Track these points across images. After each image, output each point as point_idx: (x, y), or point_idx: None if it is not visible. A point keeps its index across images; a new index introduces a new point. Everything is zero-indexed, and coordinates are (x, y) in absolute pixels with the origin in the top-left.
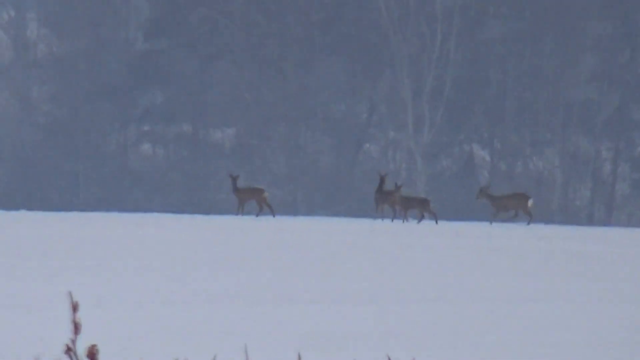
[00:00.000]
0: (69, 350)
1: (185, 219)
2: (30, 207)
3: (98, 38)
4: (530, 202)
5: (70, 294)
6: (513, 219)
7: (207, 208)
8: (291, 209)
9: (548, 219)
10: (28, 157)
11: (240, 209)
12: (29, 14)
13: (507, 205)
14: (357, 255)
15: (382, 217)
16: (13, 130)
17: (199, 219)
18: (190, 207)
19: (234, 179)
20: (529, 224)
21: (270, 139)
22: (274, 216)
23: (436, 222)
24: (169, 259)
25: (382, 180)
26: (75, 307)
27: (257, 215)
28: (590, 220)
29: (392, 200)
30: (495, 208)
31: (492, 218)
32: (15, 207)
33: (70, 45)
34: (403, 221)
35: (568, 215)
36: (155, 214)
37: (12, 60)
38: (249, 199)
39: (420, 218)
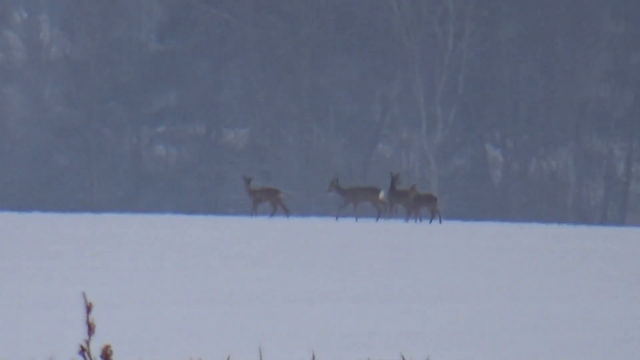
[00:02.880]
0: (83, 351)
1: (199, 219)
2: (43, 208)
3: (111, 39)
4: (381, 195)
5: (84, 295)
6: (383, 215)
7: (220, 208)
8: (304, 209)
9: (561, 219)
10: (41, 158)
11: (254, 210)
12: (41, 16)
13: (357, 197)
14: (371, 255)
15: (396, 217)
16: (26, 131)
17: (213, 219)
18: (203, 208)
19: (248, 181)
20: (377, 219)
21: (284, 139)
22: (287, 216)
23: (440, 222)
24: (183, 259)
25: (394, 180)
26: (89, 308)
27: (271, 215)
28: (603, 220)
29: (406, 201)
30: (345, 200)
31: (339, 212)
32: (28, 208)
33: (83, 46)
34: (415, 221)
35: (581, 215)
36: (169, 215)
37: (25, 61)
38: (264, 200)
39: (431, 217)
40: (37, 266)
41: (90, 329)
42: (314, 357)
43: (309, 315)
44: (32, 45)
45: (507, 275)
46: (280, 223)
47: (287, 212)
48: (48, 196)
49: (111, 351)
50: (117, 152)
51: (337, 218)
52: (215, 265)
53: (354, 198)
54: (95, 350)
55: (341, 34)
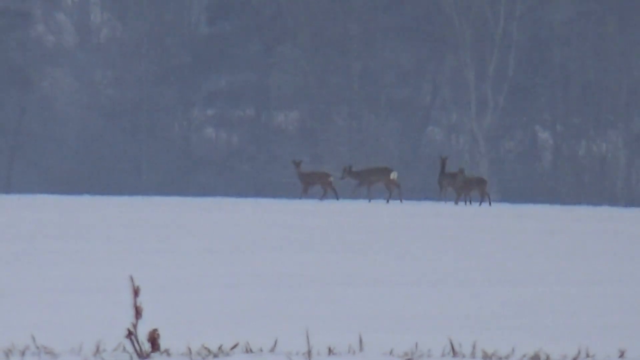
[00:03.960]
0: (130, 335)
1: (249, 202)
2: (93, 192)
3: (161, 22)
4: (393, 175)
5: (131, 278)
6: (390, 197)
7: (270, 191)
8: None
9: (611, 201)
10: (91, 141)
11: (304, 193)
12: None
13: (371, 178)
14: (421, 237)
15: (446, 199)
16: (77, 114)
17: (263, 202)
18: (253, 191)
19: (298, 165)
20: (388, 201)
21: (334, 122)
22: (337, 199)
23: (489, 204)
24: (232, 242)
25: (443, 163)
26: (136, 292)
27: (321, 199)
28: None
29: (455, 183)
30: (361, 183)
31: (354, 193)
32: (79, 191)
33: (133, 29)
34: (465, 203)
35: (631, 197)
36: (219, 198)
37: (76, 44)
38: (314, 184)
39: (481, 200)
40: (85, 249)
41: (138, 312)
42: (361, 340)
43: (357, 299)
44: (82, 28)
45: (557, 258)
46: (330, 206)
47: (337, 196)
48: (98, 179)
49: (158, 335)
50: (167, 135)
51: (369, 200)
52: (264, 249)
53: (367, 179)
54: (143, 334)
55: (392, 17)
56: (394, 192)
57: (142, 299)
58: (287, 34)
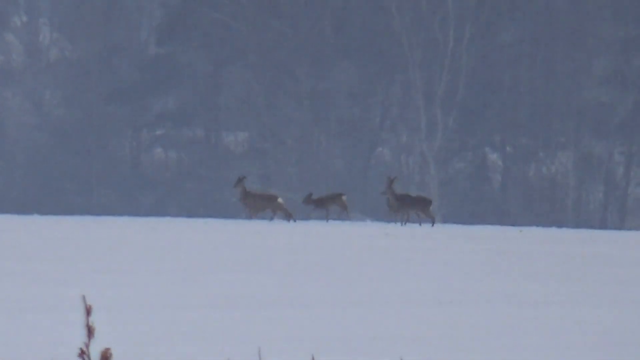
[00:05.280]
0: (82, 354)
1: (198, 222)
2: (43, 211)
3: (110, 42)
4: (280, 200)
5: (83, 298)
6: (273, 218)
7: (220, 211)
8: (304, 213)
9: (561, 222)
10: (41, 161)
11: (252, 216)
12: (41, 19)
13: (257, 205)
14: (371, 258)
15: (395, 220)
16: (26, 134)
17: (212, 222)
18: (203, 211)
19: (243, 191)
20: (270, 219)
21: (283, 143)
22: (288, 221)
23: (432, 225)
24: (182, 262)
25: (390, 184)
26: (88, 311)
27: (270, 219)
28: (603, 224)
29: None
30: (254, 207)
31: (249, 216)
32: (28, 211)
33: (82, 49)
34: (403, 224)
35: (581, 219)
36: (168, 218)
37: (25, 64)
38: (264, 209)
39: (420, 220)
40: (36, 269)
41: (90, 332)
42: None
43: (309, 320)
44: (32, 48)
45: (507, 279)
46: (279, 226)
47: (288, 217)
48: (48, 199)
49: (110, 354)
50: (116, 155)
51: (250, 218)
52: (214, 269)
53: (254, 205)
54: (95, 353)
55: (341, 38)
56: (278, 215)
57: (94, 319)
58: (236, 54)
